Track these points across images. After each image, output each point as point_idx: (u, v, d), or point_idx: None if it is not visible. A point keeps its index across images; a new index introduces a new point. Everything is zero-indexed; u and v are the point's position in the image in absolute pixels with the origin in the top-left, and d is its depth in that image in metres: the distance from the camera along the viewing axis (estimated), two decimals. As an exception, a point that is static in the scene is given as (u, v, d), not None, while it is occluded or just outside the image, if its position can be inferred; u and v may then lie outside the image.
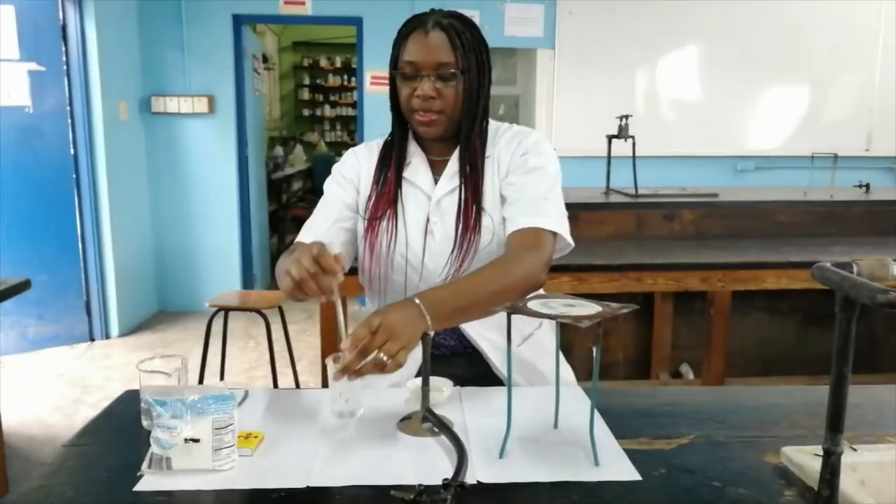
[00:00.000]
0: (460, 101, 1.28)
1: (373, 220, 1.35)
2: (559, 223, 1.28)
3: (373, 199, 1.36)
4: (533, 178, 1.30)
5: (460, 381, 1.29)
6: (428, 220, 1.34)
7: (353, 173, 1.40)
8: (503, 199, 1.32)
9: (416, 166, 1.37)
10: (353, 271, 1.46)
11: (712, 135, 4.91)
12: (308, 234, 1.36)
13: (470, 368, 1.38)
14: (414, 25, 1.28)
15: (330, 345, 2.43)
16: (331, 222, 1.37)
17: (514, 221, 1.27)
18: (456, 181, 1.33)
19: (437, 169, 1.37)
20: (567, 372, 1.47)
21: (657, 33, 4.79)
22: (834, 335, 0.78)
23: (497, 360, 1.38)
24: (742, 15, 4.77)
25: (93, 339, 4.29)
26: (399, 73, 1.29)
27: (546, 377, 1.41)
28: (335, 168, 1.44)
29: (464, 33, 1.27)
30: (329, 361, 1.05)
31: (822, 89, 4.95)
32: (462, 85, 1.27)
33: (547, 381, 1.40)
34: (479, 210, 1.31)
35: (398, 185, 1.35)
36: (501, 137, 1.37)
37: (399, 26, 1.33)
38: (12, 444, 2.85)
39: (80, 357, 4.03)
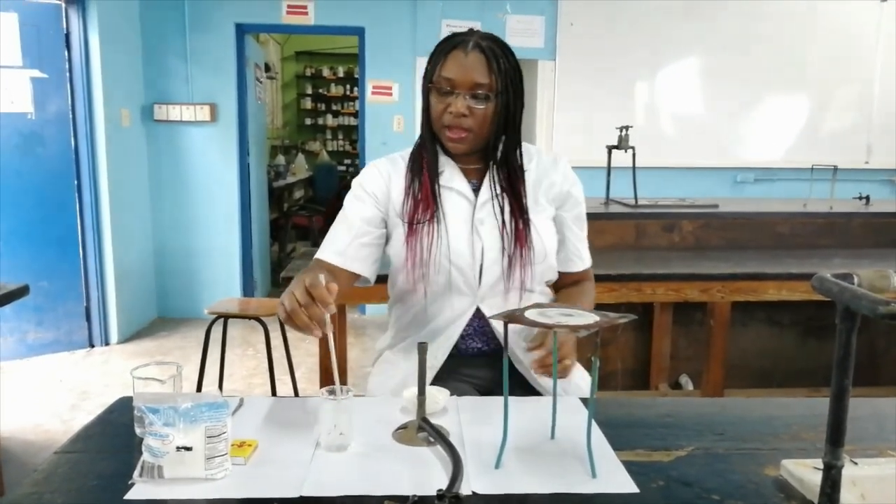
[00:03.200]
0: (490, 121, 1.34)
1: (413, 223, 1.37)
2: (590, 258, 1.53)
3: (409, 204, 1.39)
4: (581, 225, 1.49)
5: (482, 381, 1.39)
6: (473, 224, 1.38)
7: (376, 186, 1.42)
8: (565, 228, 1.46)
9: (451, 174, 1.41)
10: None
11: (712, 146, 4.92)
12: (327, 250, 1.40)
13: (493, 370, 1.42)
14: (454, 44, 1.33)
15: (328, 353, 2.42)
16: (349, 239, 1.39)
17: (572, 262, 1.49)
18: (497, 188, 1.39)
19: (468, 176, 1.43)
20: (583, 380, 1.50)
21: (658, 45, 4.80)
22: (834, 347, 0.77)
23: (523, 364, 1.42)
24: (742, 27, 4.78)
25: (92, 346, 4.28)
26: (434, 87, 1.34)
27: (579, 386, 1.45)
28: (355, 182, 1.46)
29: (501, 58, 1.33)
30: (323, 393, 1.04)
31: (822, 101, 4.95)
32: (494, 107, 1.33)
33: (579, 389, 1.44)
34: (527, 222, 1.38)
35: (434, 190, 1.38)
36: (538, 156, 1.45)
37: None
38: (9, 450, 2.84)
39: (79, 363, 4.02)
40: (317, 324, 1.03)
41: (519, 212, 1.38)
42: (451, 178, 1.41)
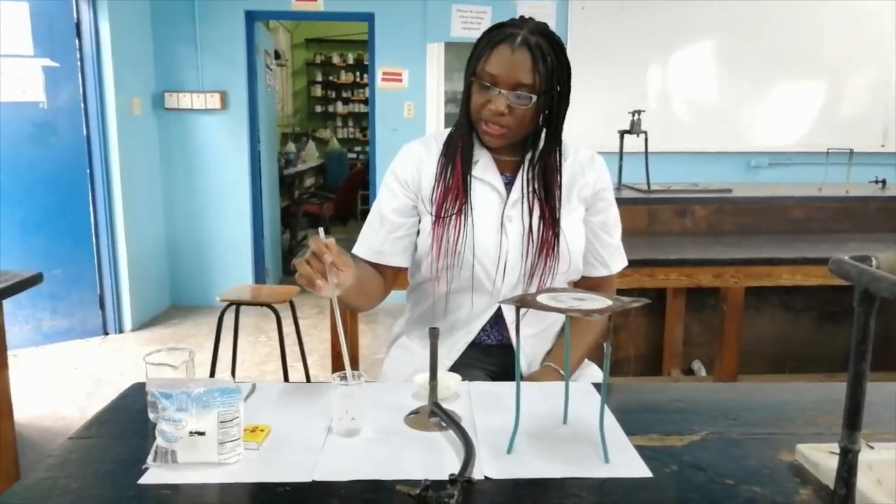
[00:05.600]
0: (529, 121, 1.30)
1: (441, 213, 1.35)
2: (625, 260, 1.51)
3: (439, 191, 1.36)
4: (608, 230, 1.45)
5: (495, 368, 1.41)
6: (502, 220, 1.35)
7: (409, 173, 1.39)
8: (589, 233, 1.42)
9: (485, 165, 1.38)
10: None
11: (725, 130, 4.86)
12: (364, 247, 1.41)
13: (506, 358, 1.42)
14: (502, 38, 1.27)
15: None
16: (384, 235, 1.39)
17: (592, 267, 1.45)
18: (529, 187, 1.35)
19: (502, 168, 1.39)
20: (593, 368, 1.51)
21: (670, 28, 4.75)
22: (852, 330, 0.76)
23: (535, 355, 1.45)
24: (756, 10, 4.71)
25: (106, 333, 4.32)
26: (476, 80, 1.29)
27: (591, 373, 1.47)
28: (389, 170, 1.43)
29: (549, 55, 1.27)
30: (335, 378, 1.04)
31: (838, 84, 4.88)
32: (536, 107, 1.28)
33: (590, 376, 1.46)
34: (557, 234, 1.34)
35: (466, 181, 1.36)
36: (575, 152, 1.42)
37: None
38: (26, 437, 2.88)
39: (93, 351, 4.06)
40: (319, 275, 1.06)
41: (550, 219, 1.33)
42: (485, 170, 1.37)
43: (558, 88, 1.30)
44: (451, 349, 1.41)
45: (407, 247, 1.40)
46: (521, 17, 1.31)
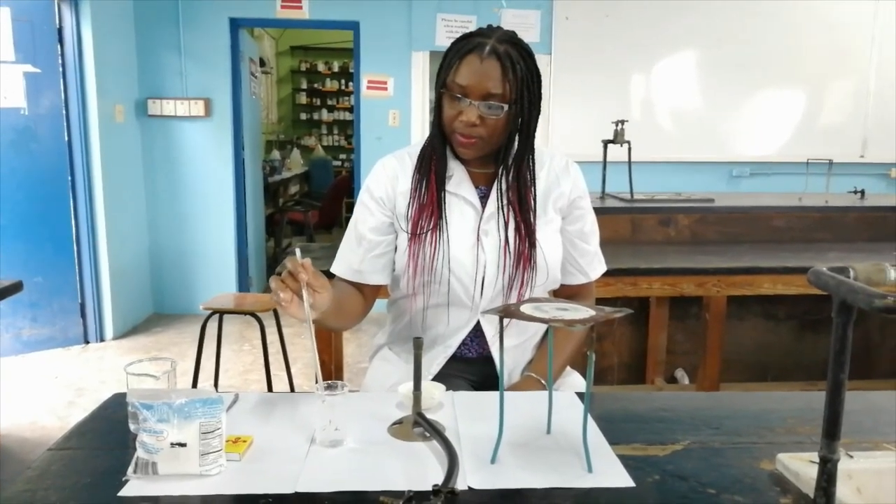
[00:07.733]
0: (502, 130, 1.29)
1: (416, 230, 1.33)
2: (603, 266, 1.51)
3: (414, 209, 1.35)
4: (586, 238, 1.45)
5: (476, 377, 1.41)
6: (478, 234, 1.34)
7: (384, 189, 1.38)
8: (566, 242, 1.42)
9: (459, 179, 1.37)
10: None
11: (708, 140, 4.92)
12: (343, 267, 1.40)
13: (486, 368, 1.42)
14: (470, 48, 1.26)
15: (324, 348, 2.42)
16: (362, 254, 1.38)
17: (571, 275, 1.45)
18: (504, 199, 1.34)
19: (476, 181, 1.38)
20: (576, 377, 1.51)
21: (653, 39, 4.80)
22: (830, 341, 0.77)
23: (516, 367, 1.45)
24: (737, 21, 4.78)
25: (87, 342, 4.27)
26: (447, 92, 1.28)
27: (574, 382, 1.48)
28: (364, 186, 1.42)
29: (518, 63, 1.26)
30: (318, 388, 1.03)
31: (818, 95, 4.96)
32: (507, 116, 1.27)
33: (574, 385, 1.46)
34: (533, 243, 1.34)
35: (440, 197, 1.35)
36: (550, 161, 1.41)
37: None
38: (5, 447, 2.83)
39: (74, 359, 4.01)
40: (293, 293, 1.07)
41: (525, 230, 1.33)
42: (459, 185, 1.36)
43: (529, 97, 1.28)
44: (431, 363, 1.40)
45: (386, 265, 1.39)
46: (489, 26, 1.30)
